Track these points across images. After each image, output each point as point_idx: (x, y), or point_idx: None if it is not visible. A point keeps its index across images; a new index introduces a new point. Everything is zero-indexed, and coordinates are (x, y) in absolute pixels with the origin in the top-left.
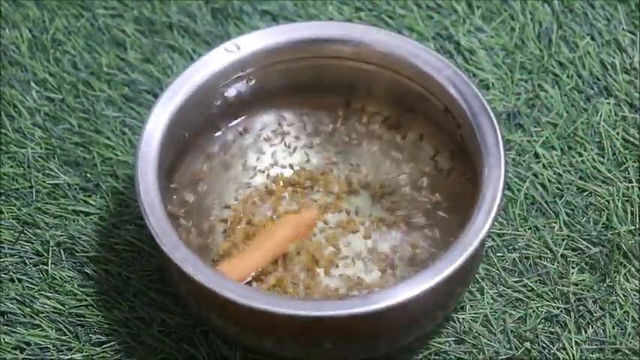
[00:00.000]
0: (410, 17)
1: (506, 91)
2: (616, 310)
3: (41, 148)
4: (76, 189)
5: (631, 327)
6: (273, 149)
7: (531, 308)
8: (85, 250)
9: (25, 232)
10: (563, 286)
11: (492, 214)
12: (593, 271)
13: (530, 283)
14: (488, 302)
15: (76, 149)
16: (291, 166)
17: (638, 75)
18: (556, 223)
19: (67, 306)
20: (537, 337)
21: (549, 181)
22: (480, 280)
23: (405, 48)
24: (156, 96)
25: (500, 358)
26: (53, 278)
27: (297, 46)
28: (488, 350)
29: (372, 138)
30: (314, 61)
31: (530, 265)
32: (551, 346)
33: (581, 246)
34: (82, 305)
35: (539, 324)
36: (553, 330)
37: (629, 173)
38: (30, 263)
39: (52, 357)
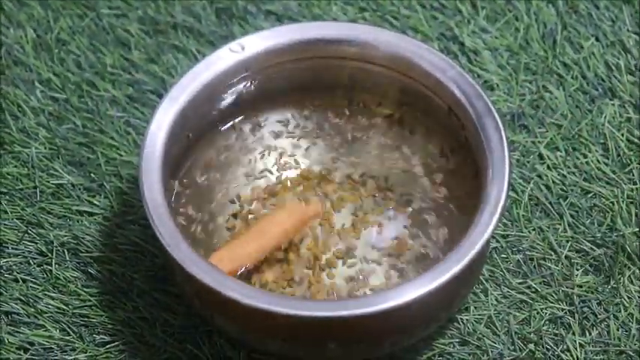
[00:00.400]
0: (414, 18)
1: (511, 92)
2: (620, 311)
3: (45, 148)
4: (80, 189)
5: (635, 329)
6: (278, 149)
7: (535, 310)
8: (89, 251)
9: (29, 232)
10: (567, 287)
11: (496, 216)
12: (597, 273)
13: (534, 285)
14: (492, 303)
15: (80, 149)
16: (295, 165)
17: None
18: (560, 224)
19: (70, 306)
20: (541, 338)
21: (553, 182)
22: (484, 281)
23: (409, 48)
24: (160, 96)
25: (505, 359)
26: (57, 278)
27: (301, 47)
28: (492, 352)
29: (377, 137)
30: (318, 61)
31: (534, 266)
32: (555, 347)
33: (585, 247)
34: (85, 305)
35: (543, 325)
36: (557, 332)
37: (633, 175)
38: (34, 263)
39: (56, 357)
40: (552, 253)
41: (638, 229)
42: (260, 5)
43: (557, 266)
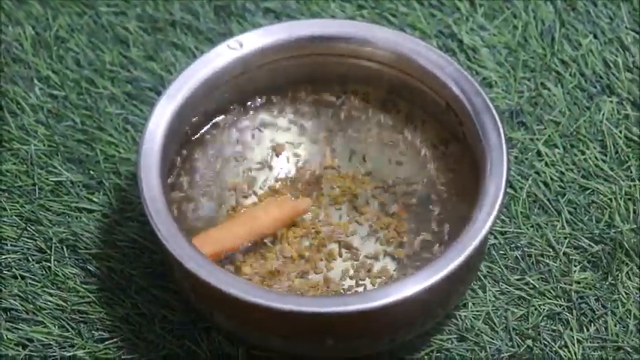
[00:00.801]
0: (412, 15)
1: (509, 89)
2: (618, 308)
3: (44, 145)
4: (78, 186)
5: (633, 325)
6: (277, 145)
7: (533, 306)
8: (87, 247)
9: (28, 228)
10: (565, 284)
11: (494, 212)
12: (595, 269)
13: (532, 281)
14: (490, 300)
15: (79, 146)
16: (294, 160)
17: None
18: (558, 221)
19: (69, 303)
20: (539, 334)
21: (552, 179)
22: (482, 277)
23: (407, 46)
24: (159, 93)
25: (503, 355)
26: (56, 275)
27: (299, 44)
28: (490, 348)
29: (375, 133)
30: (316, 58)
31: (532, 263)
32: (553, 343)
33: (583, 244)
34: (84, 302)
35: (541, 322)
36: (555, 328)
37: (631, 172)
38: (33, 260)
39: (55, 353)
40: (550, 250)
41: (635, 226)
42: (258, 2)
43: (555, 263)
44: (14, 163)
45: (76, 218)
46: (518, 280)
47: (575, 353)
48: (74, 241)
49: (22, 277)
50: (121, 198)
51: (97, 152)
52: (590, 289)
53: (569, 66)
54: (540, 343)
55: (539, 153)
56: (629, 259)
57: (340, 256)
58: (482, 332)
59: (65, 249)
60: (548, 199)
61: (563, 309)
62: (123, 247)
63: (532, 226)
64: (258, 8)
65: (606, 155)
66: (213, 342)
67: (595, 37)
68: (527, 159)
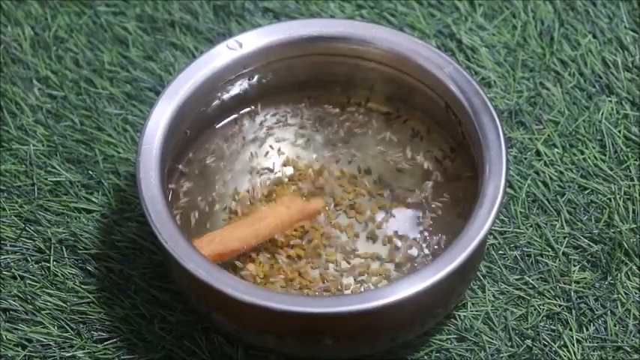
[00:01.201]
0: (412, 15)
1: (508, 88)
2: (617, 307)
3: (43, 146)
4: (77, 186)
5: (632, 325)
6: (276, 145)
7: (533, 306)
8: (86, 248)
9: (27, 229)
10: (564, 283)
11: (494, 212)
12: (594, 269)
13: (531, 281)
14: (489, 300)
15: (78, 146)
16: (293, 162)
17: None
18: (557, 220)
19: (68, 303)
20: (539, 334)
21: (551, 178)
22: (481, 277)
23: (406, 46)
24: (158, 93)
25: (502, 355)
26: (55, 275)
27: (298, 44)
28: (489, 348)
29: (374, 134)
30: (315, 58)
31: (531, 262)
32: (552, 343)
33: (582, 244)
34: (83, 302)
35: (540, 322)
36: (554, 328)
37: (630, 171)
38: (32, 260)
39: (54, 354)
40: (550, 250)
41: (635, 226)
42: (257, 2)
43: (554, 262)
44: (13, 163)
45: (75, 218)
46: (517, 280)
47: (574, 353)
48: (73, 241)
49: (21, 278)
50: (120, 198)
51: (96, 152)
52: (590, 288)
53: (568, 66)
54: (540, 343)
55: (538, 153)
56: (629, 259)
57: (340, 257)
58: (481, 332)
59: (64, 249)
60: (548, 199)
61: (563, 309)
62: (122, 248)
63: (531, 226)
64: (257, 8)
65: (605, 155)
66: (213, 342)
67: (594, 36)
68: (526, 159)
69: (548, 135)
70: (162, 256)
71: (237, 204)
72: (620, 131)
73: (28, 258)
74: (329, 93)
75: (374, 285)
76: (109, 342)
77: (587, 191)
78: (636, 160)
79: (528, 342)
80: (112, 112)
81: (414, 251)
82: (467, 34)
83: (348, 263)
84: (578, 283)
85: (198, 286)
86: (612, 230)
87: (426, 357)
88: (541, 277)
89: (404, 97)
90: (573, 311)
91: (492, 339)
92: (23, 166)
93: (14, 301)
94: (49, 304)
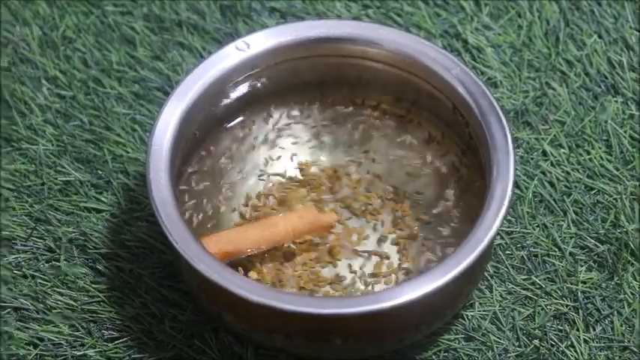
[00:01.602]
0: (417, 15)
1: (514, 89)
2: (624, 307)
3: (52, 145)
4: (87, 186)
5: (639, 324)
6: (284, 147)
7: (540, 306)
8: (96, 247)
9: (38, 228)
10: (571, 283)
11: (501, 214)
12: (601, 269)
13: (538, 281)
14: (497, 300)
15: (87, 146)
16: (301, 163)
17: None
18: (564, 221)
19: (79, 302)
20: (546, 334)
21: (557, 179)
22: (488, 277)
23: (413, 47)
24: (166, 93)
25: (509, 355)
26: (65, 274)
27: (306, 45)
28: (497, 347)
29: (382, 135)
30: (323, 59)
31: (538, 262)
32: (559, 343)
33: (589, 244)
34: (94, 301)
35: (547, 321)
36: (561, 327)
37: (636, 171)
38: (42, 259)
39: (66, 353)
40: (556, 250)
41: None
42: (264, 2)
43: (561, 263)
44: (23, 163)
45: (85, 218)
46: (524, 280)
47: (581, 353)
48: (83, 240)
49: (32, 277)
50: (130, 198)
51: (105, 152)
52: (596, 289)
53: (573, 66)
54: (547, 342)
55: (544, 153)
56: (635, 259)
57: (350, 258)
58: (489, 332)
59: (74, 248)
60: (554, 199)
61: (570, 309)
62: (132, 247)
63: (538, 226)
64: (264, 8)
65: (611, 155)
66: (223, 342)
67: (599, 36)
68: (532, 159)
69: (555, 135)
70: (172, 256)
71: (246, 207)
72: (625, 131)
73: (39, 257)
74: (337, 94)
75: (383, 287)
76: (119, 341)
77: (594, 191)
78: None
79: (536, 342)
80: (121, 111)
81: (426, 255)
82: (473, 34)
83: (359, 265)
84: (584, 283)
85: (209, 286)
86: (618, 230)
87: (434, 357)
88: (548, 277)
89: (411, 99)
90: (580, 311)
91: (500, 339)
92: (33, 165)
93: (25, 300)
94: (59, 303)
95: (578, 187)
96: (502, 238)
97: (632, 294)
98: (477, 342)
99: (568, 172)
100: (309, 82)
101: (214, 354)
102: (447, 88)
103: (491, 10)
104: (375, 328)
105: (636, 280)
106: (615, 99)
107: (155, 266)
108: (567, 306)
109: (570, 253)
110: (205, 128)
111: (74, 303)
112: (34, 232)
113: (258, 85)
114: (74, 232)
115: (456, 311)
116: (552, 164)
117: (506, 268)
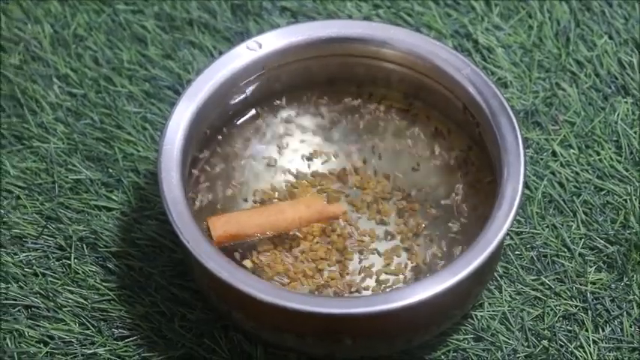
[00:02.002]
0: (428, 15)
1: (524, 89)
2: (633, 308)
3: (63, 143)
4: (98, 184)
5: None
6: (295, 146)
7: (549, 306)
8: (107, 245)
9: (48, 226)
10: (580, 284)
11: (511, 215)
12: (610, 270)
13: (548, 282)
14: (506, 300)
15: (98, 144)
16: (311, 162)
17: None
18: (574, 221)
19: (89, 300)
20: (555, 335)
21: (567, 179)
22: (498, 277)
23: (424, 47)
24: (176, 92)
25: (519, 355)
26: (76, 273)
27: (318, 45)
28: (506, 348)
29: (392, 135)
30: (334, 59)
31: (547, 263)
32: (568, 344)
33: (598, 245)
34: (104, 300)
35: (557, 322)
36: (571, 328)
37: None
38: (53, 257)
39: (76, 351)
40: (566, 250)
41: None
42: (275, 1)
43: (570, 263)
44: (34, 161)
45: (96, 216)
46: (533, 280)
47: (590, 354)
48: (94, 239)
49: (43, 275)
50: (140, 196)
51: (116, 150)
52: (606, 289)
53: (584, 66)
54: (556, 343)
55: (554, 153)
56: None
57: (359, 256)
58: (498, 332)
59: (85, 247)
60: (564, 200)
61: (579, 309)
62: (142, 246)
63: (547, 227)
64: (275, 7)
65: (621, 156)
66: (232, 340)
67: (610, 37)
68: (542, 159)
69: (564, 135)
70: (182, 255)
71: (254, 203)
72: (635, 132)
73: (50, 255)
74: (347, 93)
75: (393, 284)
76: (129, 339)
77: (603, 192)
78: None
79: (545, 342)
80: (131, 110)
81: (434, 252)
82: (483, 34)
83: (368, 262)
84: (594, 284)
85: (219, 285)
86: (628, 231)
87: (443, 357)
88: (557, 278)
89: (422, 99)
90: (589, 312)
91: (509, 339)
92: (44, 163)
93: (36, 298)
94: (70, 301)
95: (588, 187)
96: (512, 238)
97: None
98: (486, 342)
99: (578, 173)
100: (320, 81)
101: (224, 353)
102: (457, 88)
103: (502, 11)
104: (385, 328)
105: None
106: (625, 100)
107: (165, 265)
108: (576, 307)
109: (580, 254)
110: (216, 127)
111: (84, 301)
112: (45, 230)
113: (269, 84)
114: (85, 231)
115: (466, 311)
116: (562, 165)
117: (516, 268)
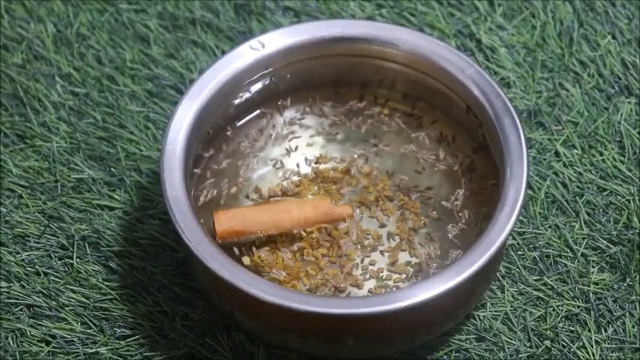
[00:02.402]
0: (431, 14)
1: (527, 89)
2: (636, 309)
3: (66, 142)
4: (100, 183)
5: None
6: (297, 146)
7: (551, 307)
8: (109, 245)
9: (51, 225)
10: (583, 285)
11: (514, 216)
12: (613, 270)
13: (550, 282)
14: (508, 300)
15: (101, 144)
16: (314, 162)
17: None
18: (576, 221)
19: (91, 300)
20: (557, 335)
21: (570, 179)
22: (500, 278)
23: (428, 47)
24: (179, 91)
25: (521, 356)
26: (78, 272)
27: (321, 45)
28: (508, 348)
29: (395, 135)
30: (337, 58)
31: (550, 263)
32: (571, 344)
33: (601, 245)
34: (106, 299)
35: (559, 322)
36: (573, 329)
37: None
38: (55, 257)
39: (78, 350)
40: (568, 251)
41: None
42: (278, 1)
43: (573, 264)
44: (36, 160)
45: (98, 215)
46: (536, 280)
47: (593, 354)
48: (96, 238)
49: (45, 274)
50: (142, 195)
51: (118, 149)
52: (608, 290)
53: (587, 66)
54: (558, 343)
55: (557, 153)
56: None
57: (361, 255)
58: (500, 332)
59: (87, 246)
60: (567, 200)
61: (581, 310)
62: (144, 245)
63: (550, 227)
64: (277, 7)
65: (624, 156)
66: (234, 340)
67: (613, 37)
68: (545, 159)
69: (567, 136)
70: (184, 254)
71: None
72: (638, 132)
73: (52, 254)
74: (350, 93)
75: (395, 284)
76: (131, 339)
77: (606, 192)
78: None
79: (547, 343)
80: (134, 109)
81: (435, 253)
82: (486, 34)
83: (370, 262)
84: (596, 284)
85: (221, 284)
86: (631, 232)
87: (445, 357)
88: (560, 278)
89: (425, 99)
90: (592, 312)
91: (511, 339)
92: (46, 162)
93: (38, 297)
94: (72, 300)
95: (591, 188)
96: (514, 238)
97: None
98: (489, 342)
99: (580, 173)
100: (323, 80)
101: (226, 352)
102: (460, 88)
103: (505, 11)
104: (388, 329)
105: None
106: (629, 100)
107: (167, 264)
108: (579, 307)
109: (582, 254)
110: (219, 127)
111: (86, 300)
112: (47, 229)
113: (272, 84)
114: (87, 230)
115: (468, 312)
116: (565, 165)
117: (518, 268)
